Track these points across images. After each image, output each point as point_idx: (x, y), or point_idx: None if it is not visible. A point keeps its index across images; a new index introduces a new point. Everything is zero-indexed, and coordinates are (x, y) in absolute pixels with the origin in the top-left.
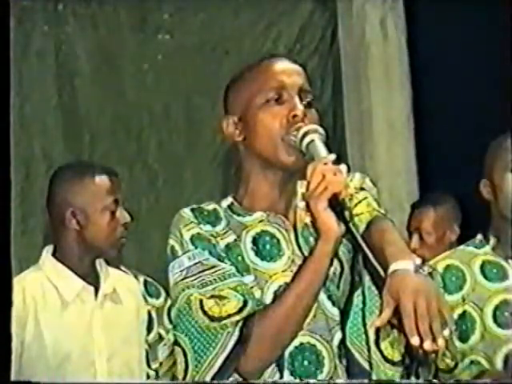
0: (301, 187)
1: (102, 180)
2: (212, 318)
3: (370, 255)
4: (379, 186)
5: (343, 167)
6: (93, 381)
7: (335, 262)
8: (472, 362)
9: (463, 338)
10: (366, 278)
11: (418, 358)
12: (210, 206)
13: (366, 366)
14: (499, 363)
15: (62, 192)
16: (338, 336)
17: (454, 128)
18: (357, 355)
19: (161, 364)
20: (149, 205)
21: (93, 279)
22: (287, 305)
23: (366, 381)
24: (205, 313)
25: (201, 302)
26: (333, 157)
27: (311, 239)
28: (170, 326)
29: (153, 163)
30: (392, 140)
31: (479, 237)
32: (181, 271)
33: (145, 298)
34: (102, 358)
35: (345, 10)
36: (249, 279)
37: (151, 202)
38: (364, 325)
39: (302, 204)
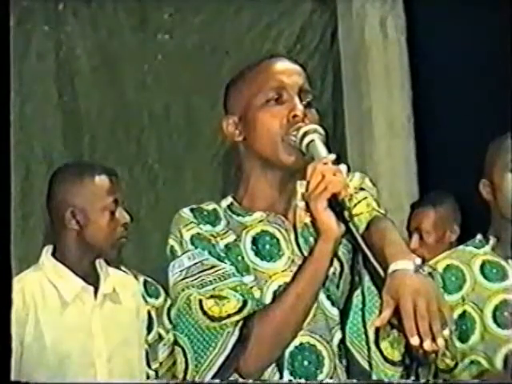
0: (301, 187)
1: (101, 180)
2: (212, 318)
3: (370, 255)
4: (379, 186)
5: (343, 167)
6: (93, 381)
7: (335, 262)
8: (472, 362)
9: (463, 338)
10: (366, 278)
11: (417, 358)
12: (210, 206)
13: (365, 365)
14: (499, 363)
15: (62, 192)
16: (338, 336)
17: (453, 128)
18: (357, 355)
19: (161, 364)
20: (149, 205)
21: (93, 279)
22: (287, 305)
23: (365, 381)
24: (204, 313)
25: (200, 302)
26: (333, 157)
27: (311, 239)
28: (169, 326)
29: (153, 163)
30: (392, 140)
31: (479, 237)
32: (181, 271)
33: (144, 298)
34: (102, 358)
35: (345, 10)
36: (248, 279)
37: (151, 202)
38: (364, 325)
39: (301, 204)
